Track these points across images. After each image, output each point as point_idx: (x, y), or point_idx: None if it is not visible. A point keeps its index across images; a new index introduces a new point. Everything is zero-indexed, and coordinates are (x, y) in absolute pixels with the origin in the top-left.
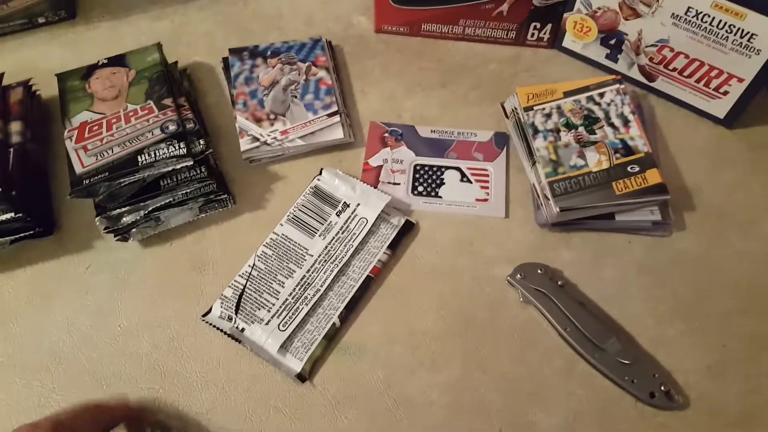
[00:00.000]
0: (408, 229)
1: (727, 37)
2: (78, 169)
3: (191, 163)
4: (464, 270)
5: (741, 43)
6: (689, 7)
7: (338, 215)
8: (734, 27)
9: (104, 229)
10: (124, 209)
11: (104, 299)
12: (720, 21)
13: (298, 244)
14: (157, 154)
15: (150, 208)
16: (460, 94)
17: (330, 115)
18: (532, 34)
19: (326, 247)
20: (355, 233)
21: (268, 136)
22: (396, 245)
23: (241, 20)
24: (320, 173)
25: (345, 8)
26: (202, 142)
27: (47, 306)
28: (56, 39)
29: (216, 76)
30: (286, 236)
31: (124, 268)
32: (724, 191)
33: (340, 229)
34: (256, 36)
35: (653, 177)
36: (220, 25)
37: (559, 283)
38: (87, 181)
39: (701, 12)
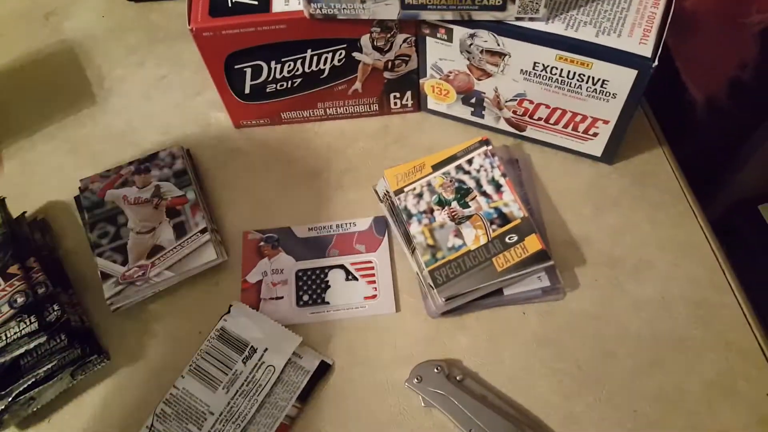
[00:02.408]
0: (323, 372)
1: (580, 85)
2: None
3: (44, 339)
4: (362, 383)
5: (595, 89)
6: (535, 62)
7: (245, 362)
8: (584, 76)
9: None
10: None
11: None
12: (569, 71)
13: (200, 401)
14: (8, 335)
15: (14, 394)
16: (333, 180)
17: (197, 235)
18: (395, 103)
19: (229, 403)
20: (261, 384)
21: (134, 274)
22: (307, 395)
23: (91, 143)
24: (228, 311)
25: (200, 108)
26: (56, 307)
27: None
28: None
29: (72, 214)
30: (187, 391)
31: None
32: (613, 235)
33: (245, 381)
34: (109, 157)
35: (533, 244)
36: (71, 153)
37: (458, 378)
38: None
39: (548, 65)
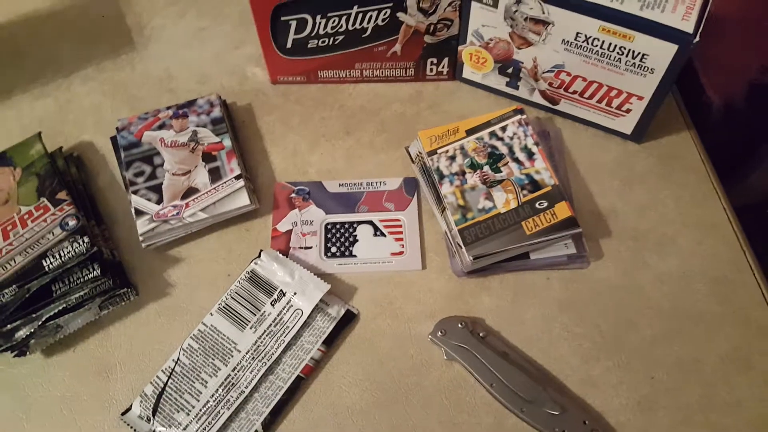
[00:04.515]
0: (348, 321)
1: (620, 58)
2: None
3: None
4: (386, 333)
5: (634, 63)
6: (578, 33)
7: (273, 305)
8: (625, 49)
9: None
10: (16, 323)
11: (7, 421)
12: (610, 44)
13: (227, 338)
14: (63, 255)
15: (44, 318)
16: (366, 140)
17: (232, 180)
18: (431, 69)
19: (256, 342)
20: (288, 326)
21: (168, 213)
22: (333, 340)
23: (129, 87)
24: (259, 255)
25: (238, 61)
26: (86, 240)
27: None
28: None
29: (105, 154)
30: (215, 328)
31: (27, 383)
32: (638, 210)
33: (273, 322)
34: (146, 102)
35: (562, 211)
36: (108, 95)
37: (481, 334)
38: None
39: (590, 37)
